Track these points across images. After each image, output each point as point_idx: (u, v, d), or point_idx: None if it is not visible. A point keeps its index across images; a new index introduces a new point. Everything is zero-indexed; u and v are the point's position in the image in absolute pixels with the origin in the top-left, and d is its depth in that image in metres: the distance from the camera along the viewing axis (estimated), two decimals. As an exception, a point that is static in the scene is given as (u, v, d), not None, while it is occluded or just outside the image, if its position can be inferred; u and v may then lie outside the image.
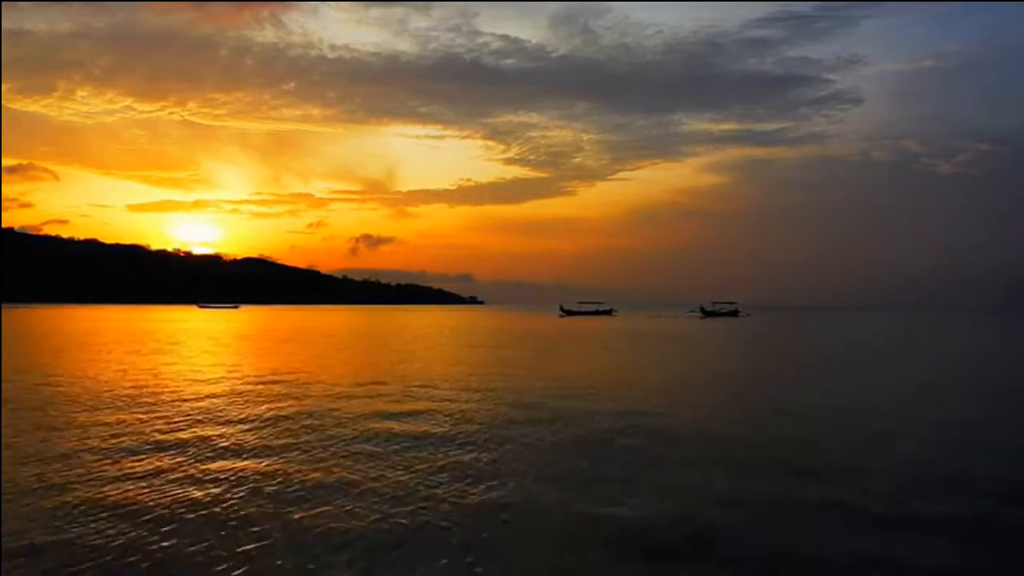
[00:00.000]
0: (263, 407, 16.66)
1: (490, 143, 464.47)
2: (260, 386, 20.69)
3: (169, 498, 9.16)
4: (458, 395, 19.25)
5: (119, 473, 10.35)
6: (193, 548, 7.43)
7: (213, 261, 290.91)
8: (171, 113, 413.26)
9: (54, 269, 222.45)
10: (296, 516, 8.49)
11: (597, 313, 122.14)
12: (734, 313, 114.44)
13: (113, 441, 12.64)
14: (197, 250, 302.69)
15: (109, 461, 11.08)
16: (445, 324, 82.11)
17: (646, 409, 16.92)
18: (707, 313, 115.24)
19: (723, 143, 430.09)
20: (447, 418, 15.46)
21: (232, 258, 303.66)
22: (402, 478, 10.30)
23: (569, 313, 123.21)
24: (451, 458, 11.61)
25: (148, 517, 8.38)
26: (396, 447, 12.41)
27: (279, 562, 7.12)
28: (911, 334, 68.72)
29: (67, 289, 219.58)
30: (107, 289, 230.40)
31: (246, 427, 14.14)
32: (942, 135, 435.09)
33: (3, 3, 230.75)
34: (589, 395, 19.53)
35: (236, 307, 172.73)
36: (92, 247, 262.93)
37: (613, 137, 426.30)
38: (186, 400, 17.74)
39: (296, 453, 11.86)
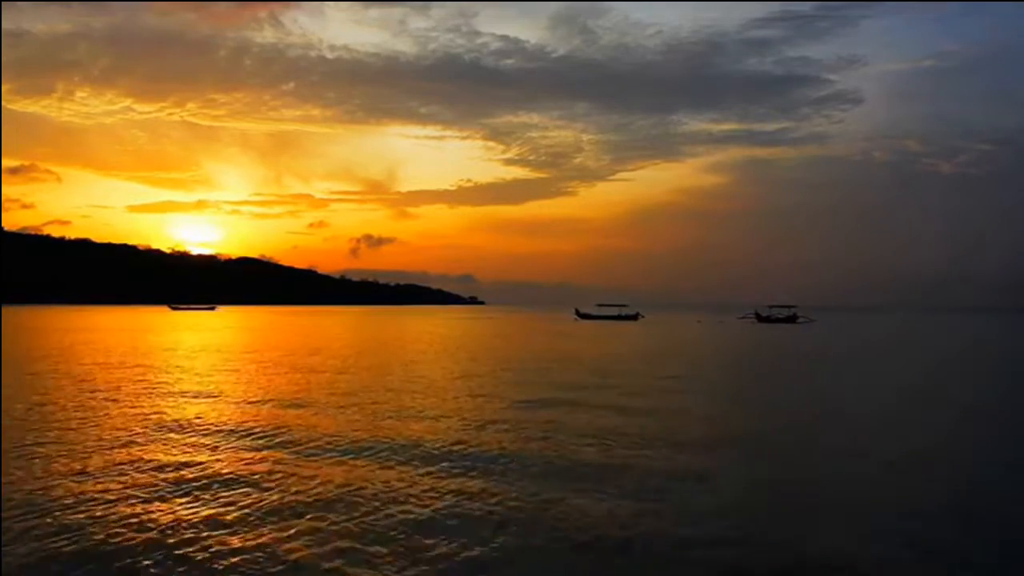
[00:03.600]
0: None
1: (490, 143, 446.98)
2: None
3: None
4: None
5: None
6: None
7: (208, 261, 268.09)
8: (171, 114, 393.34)
9: (44, 269, 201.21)
10: None
11: (619, 318, 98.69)
12: (792, 319, 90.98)
13: None
14: (196, 251, 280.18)
15: None
16: (449, 336, 59.14)
17: None
18: (762, 319, 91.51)
19: (723, 143, 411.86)
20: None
21: (227, 258, 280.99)
22: None
23: (585, 317, 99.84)
24: None
25: None
26: None
27: None
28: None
29: (57, 289, 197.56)
30: (98, 289, 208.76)
31: None
32: (942, 135, 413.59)
33: (3, 3, 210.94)
34: None
35: (213, 308, 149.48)
36: (84, 247, 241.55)
37: (613, 137, 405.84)
38: None
39: None
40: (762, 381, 25.26)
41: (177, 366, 26.80)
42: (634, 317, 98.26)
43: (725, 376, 26.72)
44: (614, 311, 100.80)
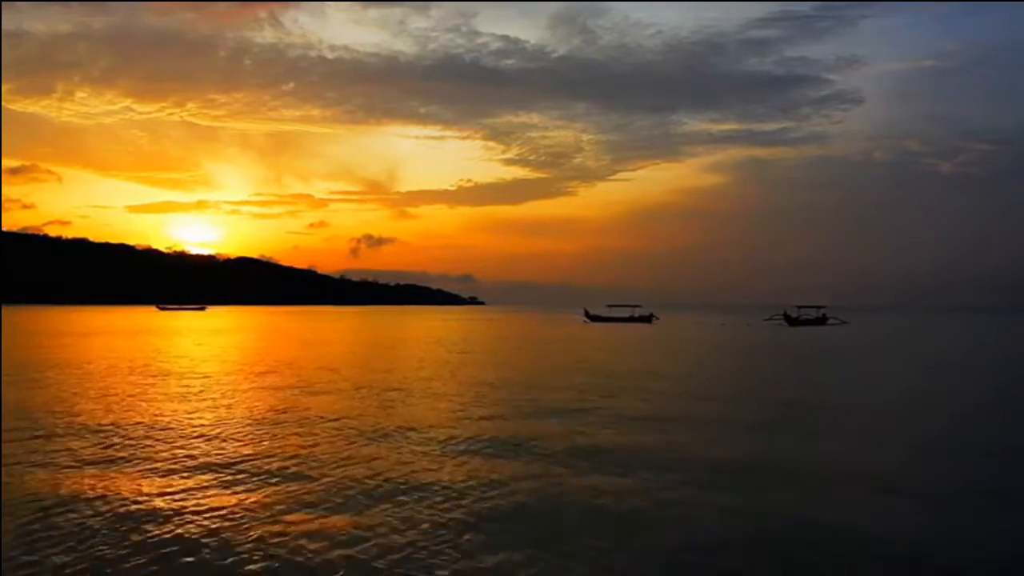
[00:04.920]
0: None
1: (490, 143, 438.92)
2: None
3: None
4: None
5: None
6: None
7: (207, 261, 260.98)
8: (171, 114, 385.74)
9: (42, 269, 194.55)
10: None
11: (633, 319, 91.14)
12: (822, 320, 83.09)
13: None
14: (195, 251, 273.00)
15: None
16: (448, 340, 51.94)
17: None
18: (792, 320, 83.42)
19: (723, 143, 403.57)
20: None
21: (226, 258, 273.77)
22: None
23: (595, 319, 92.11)
24: None
25: None
26: None
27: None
28: None
29: (54, 289, 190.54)
30: (95, 289, 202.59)
31: None
32: (942, 135, 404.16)
33: (3, 3, 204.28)
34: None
35: (203, 308, 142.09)
36: (81, 247, 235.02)
37: (613, 137, 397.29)
38: None
39: None
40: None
41: (74, 391, 19.28)
42: (648, 319, 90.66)
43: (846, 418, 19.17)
44: (626, 312, 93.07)
